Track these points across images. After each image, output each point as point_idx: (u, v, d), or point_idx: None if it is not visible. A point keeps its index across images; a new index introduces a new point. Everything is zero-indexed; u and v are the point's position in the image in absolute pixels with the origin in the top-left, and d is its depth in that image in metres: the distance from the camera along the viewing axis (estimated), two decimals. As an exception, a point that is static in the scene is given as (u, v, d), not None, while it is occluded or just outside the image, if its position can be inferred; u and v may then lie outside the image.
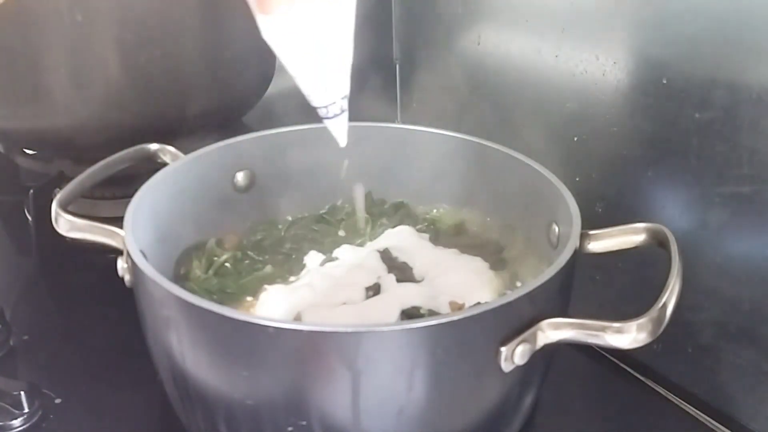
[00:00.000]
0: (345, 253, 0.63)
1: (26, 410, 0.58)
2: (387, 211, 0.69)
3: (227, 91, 0.82)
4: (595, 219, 0.61)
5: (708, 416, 0.60)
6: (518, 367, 0.45)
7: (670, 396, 0.62)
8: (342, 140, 0.58)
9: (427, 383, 0.45)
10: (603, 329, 0.44)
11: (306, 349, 0.44)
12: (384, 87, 0.92)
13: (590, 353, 0.64)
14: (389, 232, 0.66)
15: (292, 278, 0.62)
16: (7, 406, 0.58)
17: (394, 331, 0.43)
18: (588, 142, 0.66)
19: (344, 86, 0.55)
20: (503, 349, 0.44)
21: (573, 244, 0.50)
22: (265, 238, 0.66)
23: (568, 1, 0.64)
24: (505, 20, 0.73)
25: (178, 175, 0.61)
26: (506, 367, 0.45)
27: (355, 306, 0.56)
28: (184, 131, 0.77)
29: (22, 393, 0.58)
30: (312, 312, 0.55)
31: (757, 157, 0.53)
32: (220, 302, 0.56)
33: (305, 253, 0.64)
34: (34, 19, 0.70)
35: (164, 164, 0.62)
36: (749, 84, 0.52)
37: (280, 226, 0.68)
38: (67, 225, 0.55)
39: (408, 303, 0.55)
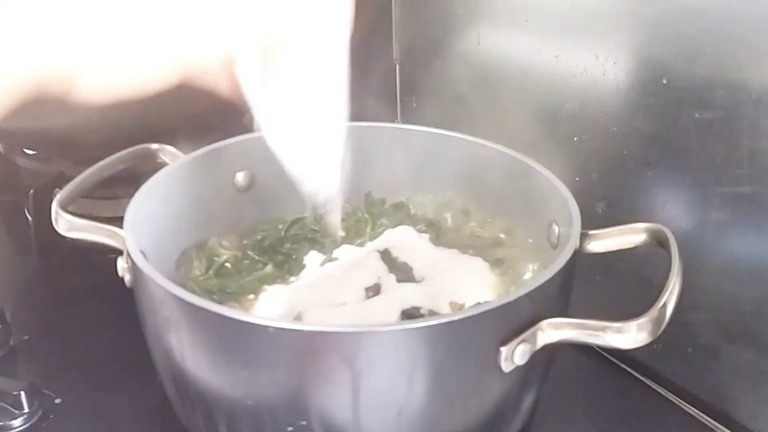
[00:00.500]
0: (345, 253, 0.63)
1: (26, 410, 0.58)
2: (387, 211, 0.69)
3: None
4: (595, 219, 0.61)
5: (708, 416, 0.60)
6: (518, 367, 0.45)
7: (670, 396, 0.62)
8: (339, 232, 0.62)
9: (427, 383, 0.45)
10: (603, 329, 0.44)
11: (306, 349, 0.44)
12: (384, 87, 0.92)
13: (590, 353, 0.64)
14: (389, 232, 0.66)
15: (292, 278, 0.62)
16: (7, 406, 0.58)
17: (394, 331, 0.43)
18: (588, 142, 0.66)
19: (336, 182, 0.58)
20: (503, 349, 0.44)
21: (573, 244, 0.50)
22: (265, 238, 0.66)
23: (568, 1, 0.64)
24: (505, 20, 0.73)
25: (178, 175, 0.61)
26: (506, 367, 0.45)
27: (355, 306, 0.56)
28: (184, 131, 0.77)
29: (22, 393, 0.58)
30: (312, 312, 0.55)
31: (757, 157, 0.53)
32: (220, 302, 0.56)
33: (305, 253, 0.64)
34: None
35: (164, 164, 0.62)
36: (749, 84, 0.52)
37: (280, 226, 0.68)
38: (67, 225, 0.55)
39: (408, 303, 0.55)
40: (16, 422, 0.57)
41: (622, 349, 0.45)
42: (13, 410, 0.58)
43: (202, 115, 0.79)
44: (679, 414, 0.61)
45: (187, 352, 0.48)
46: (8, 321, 0.67)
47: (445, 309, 0.56)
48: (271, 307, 0.57)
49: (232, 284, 0.61)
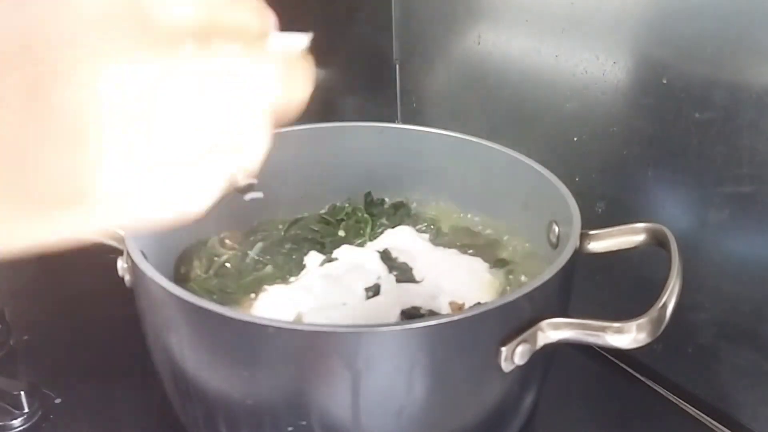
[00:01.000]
0: (345, 253, 0.63)
1: (26, 410, 0.58)
2: (387, 211, 0.69)
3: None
4: (595, 219, 0.61)
5: (708, 416, 0.60)
6: (518, 367, 0.45)
7: (670, 396, 0.62)
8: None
9: (427, 383, 0.45)
10: (603, 329, 0.44)
11: (306, 349, 0.44)
12: (384, 87, 0.92)
13: (590, 353, 0.64)
14: (389, 232, 0.66)
15: (292, 278, 0.62)
16: (7, 406, 0.58)
17: (394, 331, 0.43)
18: (588, 142, 0.66)
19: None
20: (503, 349, 0.44)
21: (573, 244, 0.50)
22: (265, 238, 0.66)
23: (568, 1, 0.64)
24: (505, 20, 0.73)
25: (178, 175, 0.61)
26: (506, 367, 0.45)
27: (355, 306, 0.56)
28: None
29: (22, 393, 0.58)
30: (312, 312, 0.55)
31: (757, 157, 0.53)
32: (220, 302, 0.56)
33: (305, 253, 0.64)
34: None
35: (164, 164, 0.62)
36: (749, 84, 0.52)
37: (280, 226, 0.68)
38: (67, 225, 0.55)
39: (408, 303, 0.55)
40: (16, 422, 0.57)
41: (622, 349, 0.45)
42: (13, 410, 0.58)
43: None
44: (679, 414, 0.61)
45: (187, 352, 0.48)
46: (8, 321, 0.67)
47: (445, 309, 0.56)
48: (271, 307, 0.57)
49: (232, 284, 0.61)
